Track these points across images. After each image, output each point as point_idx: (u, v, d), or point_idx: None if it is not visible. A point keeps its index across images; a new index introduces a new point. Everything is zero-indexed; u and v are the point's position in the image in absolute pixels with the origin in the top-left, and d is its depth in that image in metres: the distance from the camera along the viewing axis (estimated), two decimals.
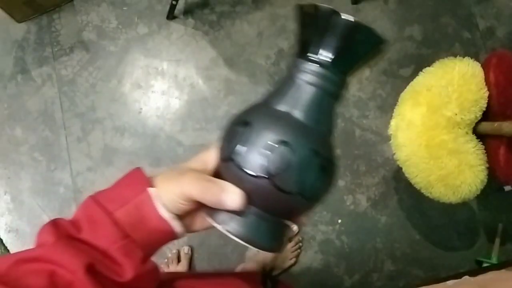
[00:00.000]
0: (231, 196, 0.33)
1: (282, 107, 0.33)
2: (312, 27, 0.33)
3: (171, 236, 0.36)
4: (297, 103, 0.33)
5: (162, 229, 0.35)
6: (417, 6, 1.51)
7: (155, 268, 0.37)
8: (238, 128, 0.33)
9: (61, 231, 0.33)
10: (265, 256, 1.31)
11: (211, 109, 1.46)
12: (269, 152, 0.30)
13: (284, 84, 0.34)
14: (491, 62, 1.16)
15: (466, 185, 1.12)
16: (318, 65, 0.33)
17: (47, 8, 1.52)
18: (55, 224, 0.34)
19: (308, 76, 0.33)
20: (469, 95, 1.11)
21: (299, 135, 0.31)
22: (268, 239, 0.34)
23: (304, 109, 0.33)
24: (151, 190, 0.34)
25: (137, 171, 0.36)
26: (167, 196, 0.34)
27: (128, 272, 0.32)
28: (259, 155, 0.30)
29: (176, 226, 0.35)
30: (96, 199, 0.34)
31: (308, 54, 0.33)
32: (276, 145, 0.30)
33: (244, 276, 0.57)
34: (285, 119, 0.32)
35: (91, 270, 0.30)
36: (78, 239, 0.33)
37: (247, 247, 0.34)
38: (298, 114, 0.33)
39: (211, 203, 0.33)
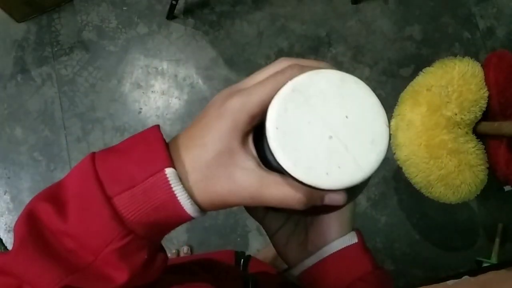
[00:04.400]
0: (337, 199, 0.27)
1: None
2: None
3: (187, 220, 0.28)
4: None
5: (179, 218, 0.27)
6: (417, 6, 1.51)
7: (162, 265, 0.30)
8: None
9: (37, 226, 0.26)
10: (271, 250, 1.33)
11: None
12: None
13: None
14: (491, 62, 1.16)
15: (466, 185, 1.12)
16: None
17: (47, 8, 1.52)
18: (31, 214, 0.26)
19: None
20: (469, 95, 1.11)
21: None
22: None
23: None
24: (168, 171, 0.25)
25: (155, 138, 0.27)
26: (199, 184, 0.26)
27: (121, 277, 0.26)
28: None
29: (199, 214, 0.27)
30: (96, 170, 0.26)
31: None
32: None
33: (218, 254, 0.58)
34: None
35: None
36: (60, 233, 0.26)
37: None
38: None
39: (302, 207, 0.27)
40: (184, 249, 1.38)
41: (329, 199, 0.27)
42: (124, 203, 0.25)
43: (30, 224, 0.26)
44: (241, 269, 0.49)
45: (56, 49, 1.52)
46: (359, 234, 0.38)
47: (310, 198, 0.26)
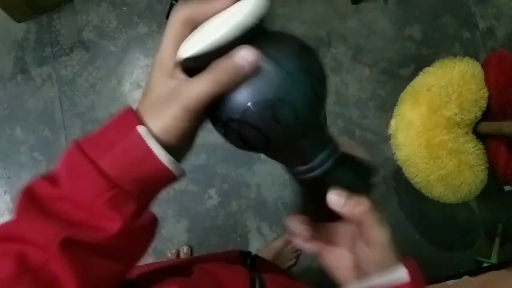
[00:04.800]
0: (242, 53, 0.28)
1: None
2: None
3: (170, 179, 0.32)
4: None
5: (159, 172, 0.30)
6: (417, 6, 1.51)
7: (152, 222, 0.33)
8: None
9: (33, 196, 0.29)
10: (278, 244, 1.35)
11: None
12: None
13: None
14: (491, 62, 1.16)
15: (466, 185, 1.12)
16: None
17: (47, 8, 1.52)
18: (28, 189, 0.30)
19: None
20: (469, 95, 1.11)
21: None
22: None
23: None
24: (140, 128, 0.29)
25: (126, 110, 0.31)
26: (160, 124, 0.30)
27: (114, 225, 0.29)
28: None
29: (175, 167, 0.31)
30: (79, 145, 0.30)
31: None
32: None
33: (225, 255, 0.58)
34: None
35: (67, 243, 0.27)
36: (55, 199, 0.29)
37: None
38: None
39: (227, 84, 0.29)
40: (184, 249, 1.38)
41: (238, 59, 0.29)
42: (107, 162, 0.29)
43: (27, 196, 0.30)
44: (247, 268, 0.49)
45: (56, 49, 1.52)
46: (410, 266, 0.35)
47: (224, 69, 0.29)
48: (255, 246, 1.40)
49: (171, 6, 1.44)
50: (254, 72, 0.29)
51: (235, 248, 1.41)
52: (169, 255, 1.38)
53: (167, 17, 1.49)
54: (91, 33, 1.52)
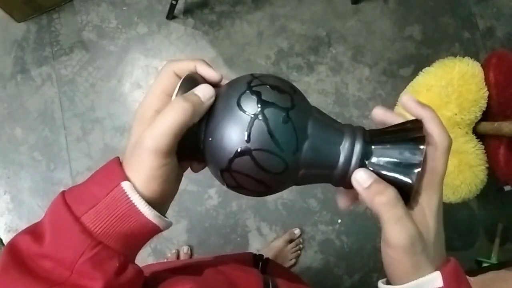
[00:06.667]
0: (202, 89, 0.31)
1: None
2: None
3: (156, 231, 0.32)
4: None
5: (144, 227, 0.31)
6: (417, 6, 1.51)
7: (136, 276, 0.32)
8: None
9: (16, 255, 0.29)
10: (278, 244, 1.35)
11: None
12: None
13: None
14: (491, 62, 1.16)
15: (466, 185, 1.12)
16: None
17: (47, 7, 1.52)
18: (11, 247, 0.30)
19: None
20: (469, 95, 1.11)
21: None
22: None
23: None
24: (124, 184, 0.30)
25: (112, 163, 0.32)
26: (140, 178, 0.30)
27: (96, 284, 0.28)
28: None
29: (160, 220, 0.31)
30: (65, 199, 0.30)
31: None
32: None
33: (237, 257, 0.58)
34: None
35: None
36: (38, 256, 0.29)
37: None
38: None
39: (194, 116, 0.30)
40: (184, 249, 1.38)
41: (200, 91, 0.31)
42: (90, 219, 0.29)
43: (11, 254, 0.29)
44: (259, 271, 0.50)
45: (56, 49, 1.52)
46: (445, 271, 0.31)
47: (189, 99, 0.30)
48: (255, 246, 1.40)
49: (171, 6, 1.44)
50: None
51: (235, 248, 1.41)
52: (169, 255, 1.38)
53: (167, 17, 1.50)
54: (91, 33, 1.52)
